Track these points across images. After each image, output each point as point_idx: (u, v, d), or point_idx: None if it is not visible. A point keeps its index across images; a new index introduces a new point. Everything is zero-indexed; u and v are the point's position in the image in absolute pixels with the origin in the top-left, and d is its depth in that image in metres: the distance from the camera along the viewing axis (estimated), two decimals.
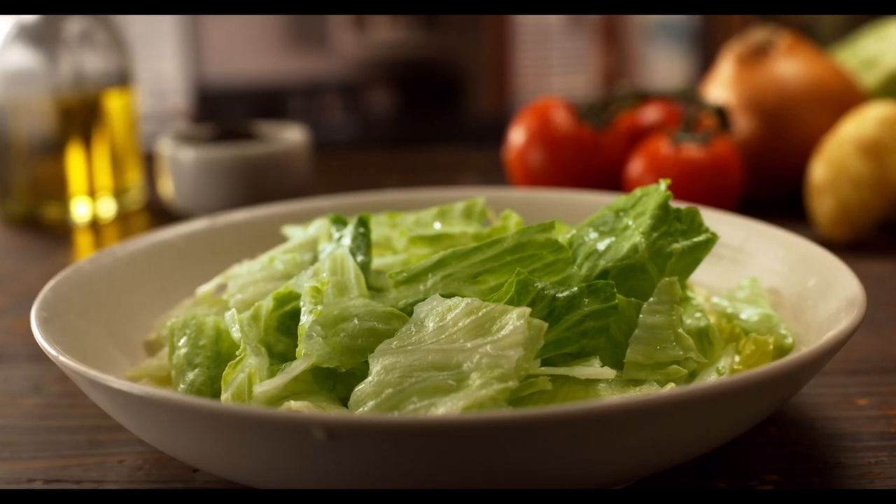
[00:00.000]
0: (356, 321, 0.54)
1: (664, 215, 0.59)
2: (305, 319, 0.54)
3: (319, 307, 0.54)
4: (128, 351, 0.64)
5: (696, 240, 0.58)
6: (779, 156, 1.06)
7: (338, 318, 0.54)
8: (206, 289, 0.66)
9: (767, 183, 1.07)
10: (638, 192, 0.60)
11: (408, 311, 0.55)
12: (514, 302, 0.53)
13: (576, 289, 0.54)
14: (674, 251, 0.58)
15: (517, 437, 0.44)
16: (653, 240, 0.58)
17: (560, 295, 0.54)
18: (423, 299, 0.55)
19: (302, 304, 0.55)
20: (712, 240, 0.59)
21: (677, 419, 0.47)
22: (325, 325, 0.54)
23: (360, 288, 0.57)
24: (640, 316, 0.56)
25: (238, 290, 0.62)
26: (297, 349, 0.53)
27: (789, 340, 0.60)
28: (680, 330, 0.56)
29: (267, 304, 0.57)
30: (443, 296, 0.54)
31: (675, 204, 0.59)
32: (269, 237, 0.73)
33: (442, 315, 0.53)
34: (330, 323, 0.54)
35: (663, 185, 0.59)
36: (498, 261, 0.56)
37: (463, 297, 0.54)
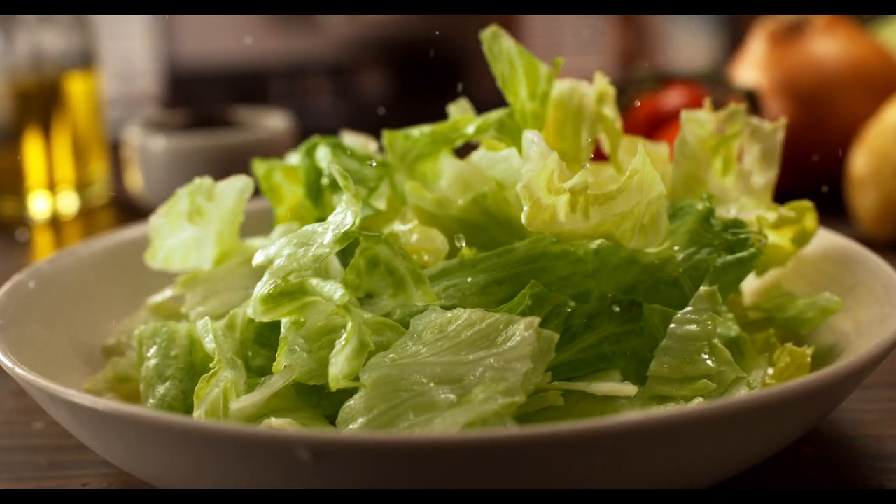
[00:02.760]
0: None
1: (705, 228, 0.59)
2: (287, 331, 0.54)
3: (303, 318, 0.54)
4: (92, 362, 0.64)
5: (739, 255, 0.58)
6: (816, 145, 1.06)
7: (323, 329, 0.54)
8: (157, 300, 0.66)
9: (803, 175, 1.07)
10: (678, 203, 0.61)
11: (404, 322, 0.55)
12: (527, 315, 0.53)
13: (598, 306, 0.54)
14: (713, 265, 0.58)
15: (523, 457, 0.44)
16: (690, 252, 0.58)
17: (579, 312, 0.54)
18: (422, 311, 0.55)
19: None
20: (756, 256, 0.59)
21: (702, 438, 0.47)
22: (310, 338, 0.54)
23: None
24: (672, 325, 0.55)
25: (199, 302, 0.62)
26: (276, 363, 0.53)
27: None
28: (716, 341, 0.55)
29: (244, 313, 0.57)
30: (443, 308, 0.54)
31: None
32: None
33: (441, 327, 0.53)
34: (315, 335, 0.54)
35: (706, 196, 0.60)
36: (508, 271, 0.56)
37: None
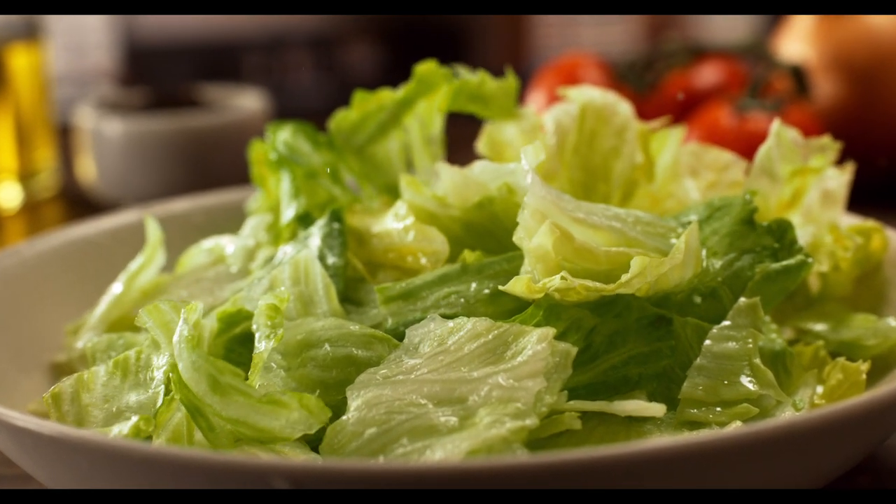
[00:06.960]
0: (328, 347, 0.54)
1: (747, 231, 0.59)
2: (262, 346, 0.53)
3: (280, 330, 0.53)
4: (38, 381, 0.64)
5: (786, 263, 0.58)
6: (870, 128, 1.06)
7: (303, 343, 0.54)
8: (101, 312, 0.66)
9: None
10: (716, 201, 0.61)
11: (398, 334, 0.55)
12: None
13: (623, 320, 0.54)
14: (756, 275, 0.58)
15: (534, 489, 0.44)
16: (730, 259, 0.58)
17: (601, 327, 0.54)
18: (420, 320, 0.55)
19: (255, 326, 0.54)
20: (806, 264, 0.58)
21: (740, 467, 0.47)
22: (288, 354, 0.54)
23: (331, 302, 0.57)
24: (707, 342, 0.55)
25: None
26: (248, 382, 0.53)
27: None
28: (757, 361, 0.55)
29: (210, 324, 0.57)
30: (443, 317, 0.54)
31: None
32: (219, 233, 0.73)
33: (441, 339, 0.52)
34: (294, 350, 0.54)
35: (748, 195, 0.60)
36: None
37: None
